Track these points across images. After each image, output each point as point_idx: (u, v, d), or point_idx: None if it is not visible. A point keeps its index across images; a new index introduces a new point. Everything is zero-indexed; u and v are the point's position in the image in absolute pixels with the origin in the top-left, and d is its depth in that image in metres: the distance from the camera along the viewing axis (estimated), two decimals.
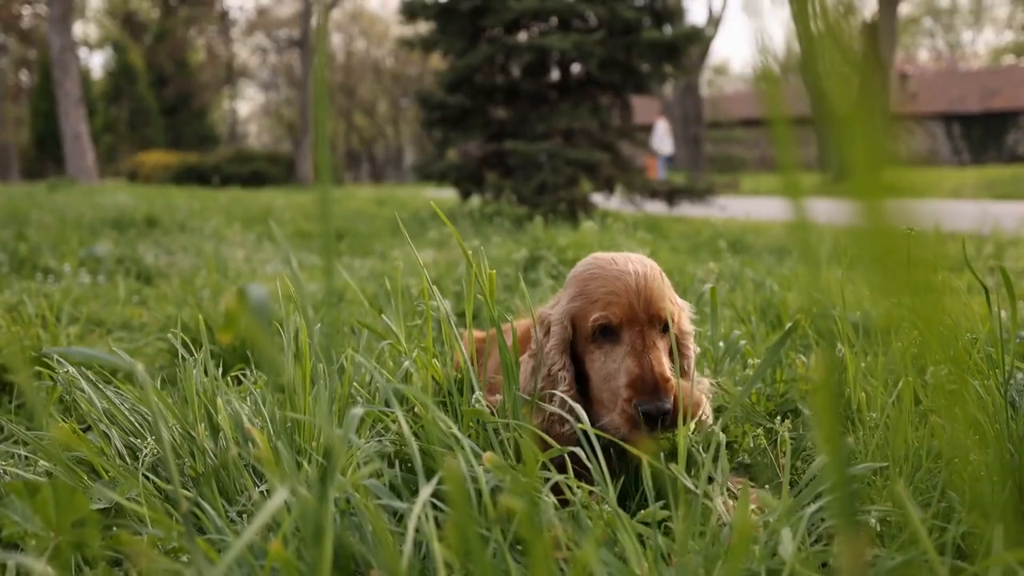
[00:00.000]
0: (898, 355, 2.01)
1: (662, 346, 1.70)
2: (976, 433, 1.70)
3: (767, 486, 1.80)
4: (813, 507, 1.36)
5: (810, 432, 2.10)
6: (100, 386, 1.82)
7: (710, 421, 1.74)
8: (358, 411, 1.08)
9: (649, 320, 1.70)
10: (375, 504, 1.24)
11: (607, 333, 1.71)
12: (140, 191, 20.74)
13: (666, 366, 1.65)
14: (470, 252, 1.76)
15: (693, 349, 1.84)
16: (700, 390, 1.78)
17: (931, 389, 1.92)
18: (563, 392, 1.69)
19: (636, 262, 1.76)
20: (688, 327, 1.83)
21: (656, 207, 12.26)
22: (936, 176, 30.00)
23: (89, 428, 1.83)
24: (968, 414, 1.69)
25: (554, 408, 1.63)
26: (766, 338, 3.08)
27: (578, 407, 1.56)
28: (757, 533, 1.35)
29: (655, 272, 1.76)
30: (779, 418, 2.10)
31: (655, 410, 1.59)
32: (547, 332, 1.78)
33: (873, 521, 1.44)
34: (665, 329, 1.73)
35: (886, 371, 2.05)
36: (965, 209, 13.14)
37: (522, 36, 11.75)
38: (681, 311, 1.82)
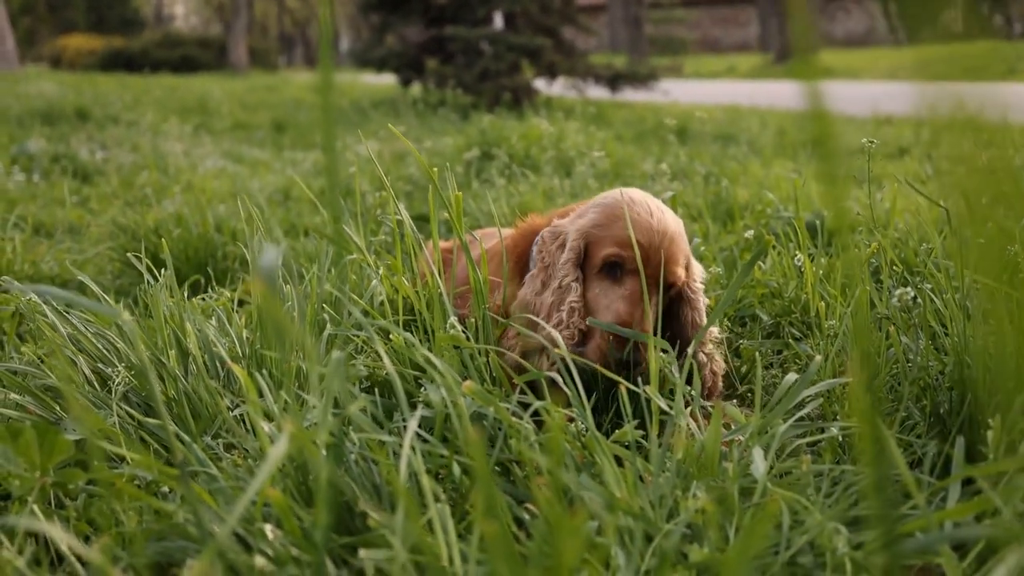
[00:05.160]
0: (854, 260, 2.05)
1: (655, 301, 1.74)
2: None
3: (734, 400, 1.85)
4: (784, 425, 1.41)
5: (769, 341, 2.16)
6: (63, 311, 1.78)
7: (718, 388, 1.84)
8: (339, 354, 1.08)
9: (655, 276, 1.74)
10: (361, 437, 1.26)
11: (613, 270, 1.76)
12: (67, 79, 19.95)
13: (650, 324, 1.70)
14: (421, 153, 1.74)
15: (703, 302, 1.89)
16: (708, 353, 1.84)
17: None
18: (571, 303, 1.73)
19: (669, 219, 1.80)
20: (697, 286, 1.88)
21: (599, 92, 12.14)
22: (873, 56, 30.11)
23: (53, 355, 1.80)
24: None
25: (538, 337, 1.64)
26: (719, 237, 3.11)
27: (557, 335, 1.59)
28: (727, 449, 1.40)
29: (678, 232, 1.81)
30: (733, 324, 2.15)
31: (625, 357, 1.69)
32: (561, 245, 1.81)
33: (836, 432, 1.50)
34: (668, 288, 1.79)
35: (843, 277, 2.10)
36: (902, 91, 13.24)
37: None
38: (692, 273, 1.87)
